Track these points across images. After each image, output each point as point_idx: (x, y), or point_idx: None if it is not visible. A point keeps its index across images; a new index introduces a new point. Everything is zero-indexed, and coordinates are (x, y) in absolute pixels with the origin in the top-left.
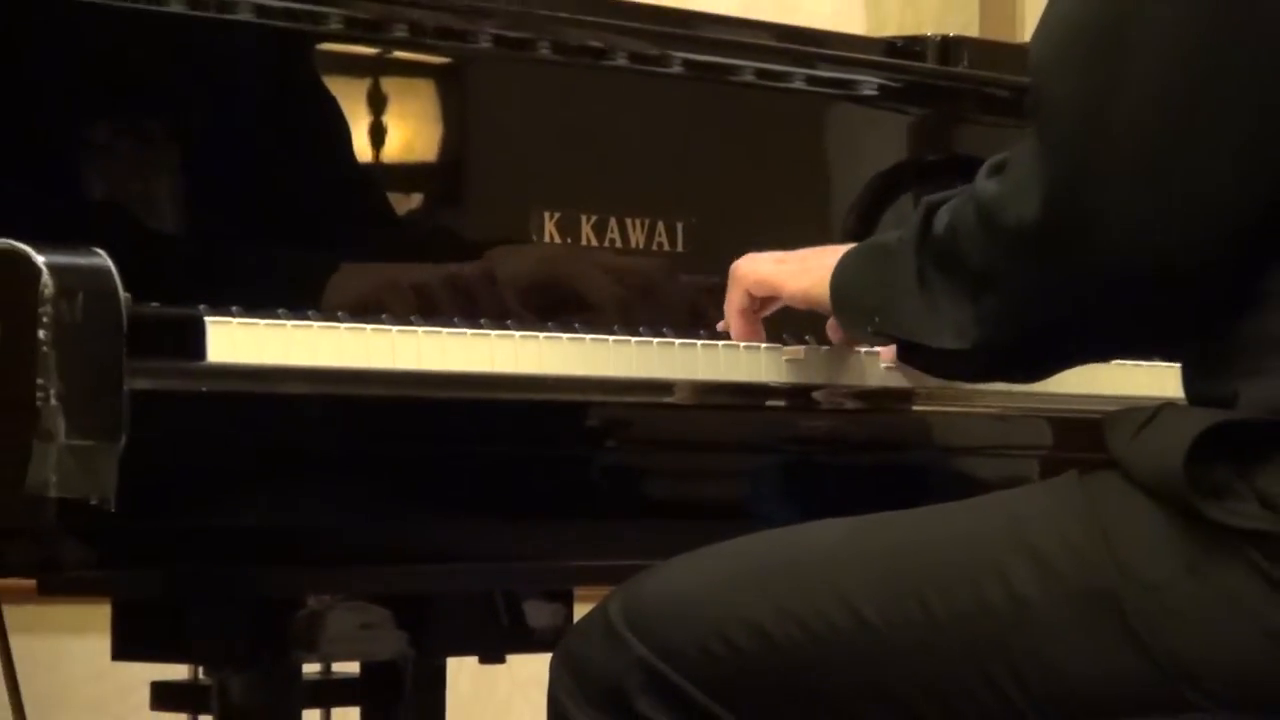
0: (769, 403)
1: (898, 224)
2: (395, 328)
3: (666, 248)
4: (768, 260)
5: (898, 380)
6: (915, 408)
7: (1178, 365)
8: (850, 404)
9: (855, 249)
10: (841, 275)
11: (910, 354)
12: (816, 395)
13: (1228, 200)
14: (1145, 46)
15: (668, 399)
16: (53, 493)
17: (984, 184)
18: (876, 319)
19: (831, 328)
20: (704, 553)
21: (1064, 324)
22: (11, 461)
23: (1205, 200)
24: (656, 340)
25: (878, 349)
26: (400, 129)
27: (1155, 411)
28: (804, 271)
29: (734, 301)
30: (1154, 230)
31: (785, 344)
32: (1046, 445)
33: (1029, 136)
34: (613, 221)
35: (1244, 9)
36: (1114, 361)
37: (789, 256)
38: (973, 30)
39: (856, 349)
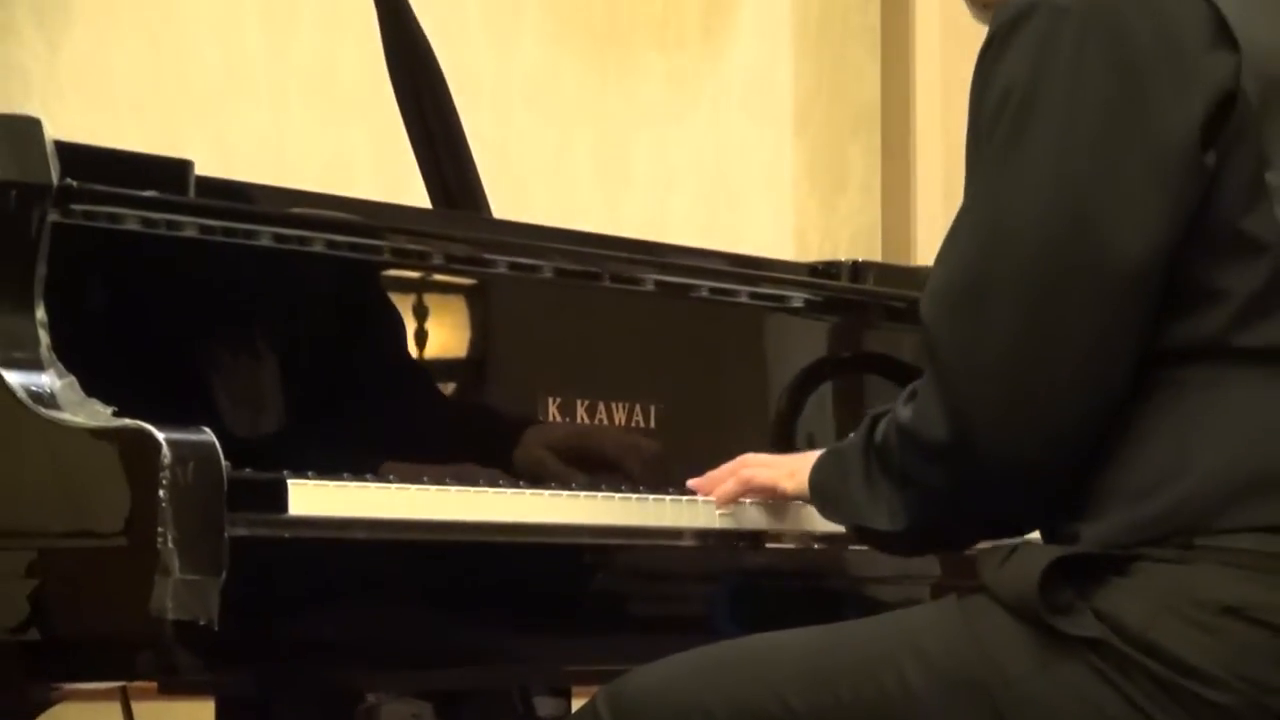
0: (720, 544)
1: (819, 410)
2: (434, 487)
3: (641, 425)
4: (763, 465)
5: (820, 527)
6: (834, 547)
7: None
8: (783, 545)
9: (824, 454)
10: (815, 476)
11: (862, 535)
12: (758, 539)
13: (1070, 407)
14: (997, 301)
15: (642, 541)
16: (170, 615)
17: (902, 410)
18: (840, 508)
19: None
20: (672, 658)
21: (970, 512)
22: (139, 591)
23: (1053, 412)
24: (634, 496)
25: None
26: (437, 332)
27: (1015, 548)
28: (794, 477)
29: (731, 491)
30: (1020, 441)
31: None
32: (935, 575)
33: (928, 372)
34: (601, 405)
35: (1071, 264)
36: None
37: (779, 461)
38: (876, 256)
39: (789, 503)
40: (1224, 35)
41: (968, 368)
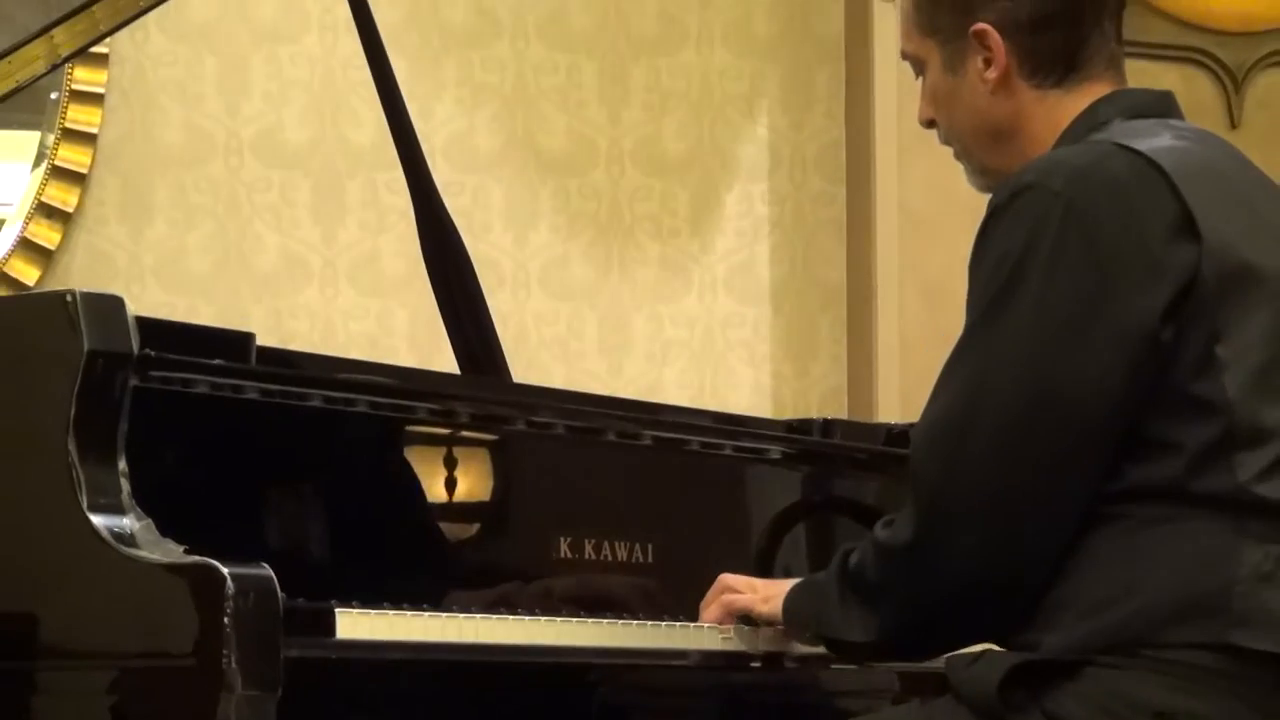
0: (709, 664)
1: (793, 546)
2: (462, 615)
3: (640, 560)
4: (743, 587)
5: (797, 649)
6: (808, 667)
7: None
8: (764, 664)
9: (798, 584)
10: (790, 602)
11: (835, 648)
12: (740, 658)
13: (1026, 529)
14: (975, 440)
15: (642, 661)
16: None
17: (879, 531)
18: (813, 626)
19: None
20: None
21: (936, 619)
22: (206, 706)
23: (1010, 530)
24: (635, 622)
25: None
26: (464, 480)
27: (982, 652)
28: (768, 601)
29: (713, 615)
30: (985, 558)
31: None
32: (895, 689)
33: (910, 495)
34: (605, 542)
35: (1038, 417)
36: None
37: (756, 584)
38: (843, 414)
39: (769, 629)
40: (1188, 227)
41: (945, 486)
